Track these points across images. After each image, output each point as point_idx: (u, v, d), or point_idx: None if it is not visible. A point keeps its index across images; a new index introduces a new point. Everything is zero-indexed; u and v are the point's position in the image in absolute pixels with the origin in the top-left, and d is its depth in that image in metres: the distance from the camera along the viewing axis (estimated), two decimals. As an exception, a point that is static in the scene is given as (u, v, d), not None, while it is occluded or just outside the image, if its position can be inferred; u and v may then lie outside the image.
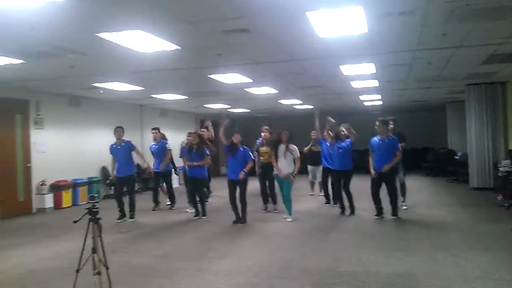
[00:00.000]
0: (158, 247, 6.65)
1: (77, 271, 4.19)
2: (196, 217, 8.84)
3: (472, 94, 12.00)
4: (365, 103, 16.58)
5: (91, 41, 6.06)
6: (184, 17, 5.17)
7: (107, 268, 4.25)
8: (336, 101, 15.22)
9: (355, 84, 11.34)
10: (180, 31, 5.75)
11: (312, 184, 11.39)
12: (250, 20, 5.38)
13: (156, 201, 10.28)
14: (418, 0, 4.90)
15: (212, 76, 9.32)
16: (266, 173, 9.26)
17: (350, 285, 4.63)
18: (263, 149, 9.21)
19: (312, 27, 5.65)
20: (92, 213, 4.18)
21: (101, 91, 10.61)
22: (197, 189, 8.97)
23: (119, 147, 8.94)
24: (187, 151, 8.91)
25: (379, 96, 14.65)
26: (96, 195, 4.69)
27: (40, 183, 10.48)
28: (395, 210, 8.34)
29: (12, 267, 5.77)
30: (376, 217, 8.36)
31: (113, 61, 7.53)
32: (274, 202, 9.44)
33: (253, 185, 9.30)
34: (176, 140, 10.47)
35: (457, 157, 14.88)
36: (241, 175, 8.07)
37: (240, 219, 8.21)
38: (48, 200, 10.53)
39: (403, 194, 9.23)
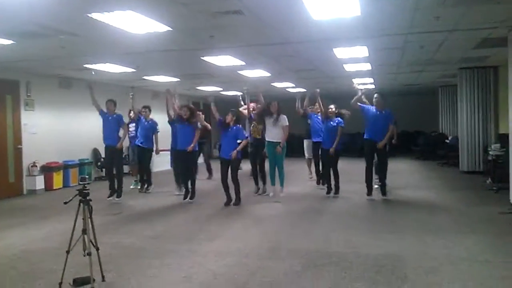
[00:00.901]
0: (148, 228, 6.68)
1: (68, 252, 4.21)
2: (186, 200, 8.75)
3: (464, 78, 12.04)
4: (359, 86, 16.54)
5: (82, 22, 5.97)
6: (175, -3, 5.12)
7: (97, 249, 4.27)
8: (329, 84, 15.19)
9: (348, 67, 11.33)
10: (172, 12, 5.69)
11: (310, 162, 11.12)
12: (243, 1, 5.33)
13: (142, 180, 10.36)
14: (411, -17, 4.88)
15: (205, 58, 9.25)
16: (257, 152, 9.23)
17: (339, 266, 4.69)
18: (253, 125, 9.19)
19: (306, 9, 5.61)
20: (83, 194, 4.19)
21: (93, 73, 10.52)
22: (188, 162, 8.83)
23: (110, 118, 8.98)
24: (181, 123, 8.73)
25: (371, 80, 14.64)
26: (87, 176, 4.69)
27: (31, 164, 10.44)
28: (384, 189, 8.46)
29: (3, 248, 5.79)
30: (369, 197, 8.45)
31: (104, 42, 7.45)
32: (264, 182, 9.41)
33: (244, 166, 9.28)
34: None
35: (447, 141, 14.98)
36: (234, 154, 8.06)
37: (234, 201, 8.23)
38: (39, 182, 10.50)
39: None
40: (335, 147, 8.62)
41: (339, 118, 8.77)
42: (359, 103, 8.48)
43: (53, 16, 5.81)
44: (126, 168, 12.22)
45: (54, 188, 10.79)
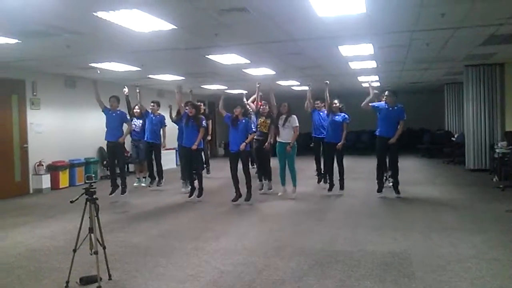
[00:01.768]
0: (155, 226, 6.69)
1: (74, 250, 4.23)
2: (191, 197, 8.74)
3: (470, 76, 11.98)
4: (363, 85, 16.52)
5: (87, 20, 5.98)
6: (180, -5, 5.11)
7: (104, 248, 4.28)
8: (334, 82, 15.11)
9: (353, 65, 11.30)
10: (177, 10, 5.69)
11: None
12: (248, -1, 5.32)
13: (152, 176, 10.40)
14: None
15: (210, 57, 9.25)
16: (262, 146, 9.16)
17: (346, 265, 4.68)
18: (261, 120, 9.18)
19: (311, 6, 5.60)
20: (89, 193, 4.20)
21: (98, 71, 10.54)
22: (193, 160, 8.84)
23: (113, 114, 8.96)
24: (186, 121, 8.72)
25: (377, 78, 14.60)
26: (93, 175, 4.69)
27: (37, 163, 10.48)
28: (396, 186, 8.45)
29: (10, 246, 5.81)
30: (379, 194, 8.47)
31: (109, 41, 7.45)
32: (269, 178, 9.38)
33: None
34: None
35: (453, 139, 14.92)
36: (242, 146, 8.09)
37: (245, 196, 8.21)
38: (45, 181, 10.54)
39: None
40: (343, 142, 8.66)
41: (344, 114, 8.76)
42: (368, 104, 8.46)
43: (59, 15, 5.82)
44: (130, 167, 12.34)
45: (60, 187, 10.82)
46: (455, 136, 15.10)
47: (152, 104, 10.38)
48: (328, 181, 9.17)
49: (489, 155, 11.51)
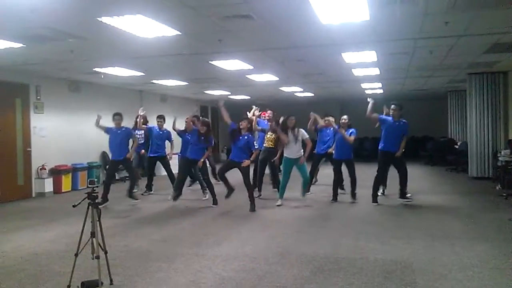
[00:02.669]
0: (156, 231, 6.69)
1: (76, 255, 4.23)
2: (174, 200, 8.80)
3: (474, 83, 11.97)
4: (367, 91, 16.54)
5: (92, 26, 6.02)
6: (185, 1, 5.13)
7: (105, 252, 4.28)
8: (337, 89, 15.19)
9: (357, 72, 11.31)
10: (181, 16, 5.72)
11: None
12: (252, 6, 5.34)
13: (149, 187, 10.47)
14: (421, -13, 4.86)
15: (213, 62, 9.28)
16: (267, 159, 9.26)
17: (348, 272, 4.66)
18: (269, 134, 9.19)
19: (314, 13, 5.62)
20: (92, 197, 4.20)
21: (102, 76, 10.58)
22: (199, 170, 9.01)
23: (118, 131, 8.91)
24: (197, 137, 8.73)
25: (380, 85, 14.61)
26: (95, 180, 4.70)
27: (40, 167, 10.50)
28: (403, 193, 8.45)
29: (12, 250, 5.81)
30: (375, 204, 8.44)
31: (114, 46, 7.49)
32: (277, 187, 9.39)
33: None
34: (178, 126, 10.43)
35: (456, 146, 14.89)
36: (246, 163, 8.05)
37: (249, 207, 8.15)
38: (48, 185, 10.56)
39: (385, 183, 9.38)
40: (402, 150, 8.48)
41: (353, 130, 8.80)
42: (376, 114, 8.46)
43: (63, 20, 5.86)
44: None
45: (63, 191, 10.84)
46: (458, 143, 15.07)
47: (158, 120, 10.35)
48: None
49: (492, 163, 11.48)
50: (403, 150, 8.37)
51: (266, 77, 11.77)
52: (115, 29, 6.12)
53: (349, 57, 9.06)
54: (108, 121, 9.15)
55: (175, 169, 10.13)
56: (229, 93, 15.89)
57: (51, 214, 8.26)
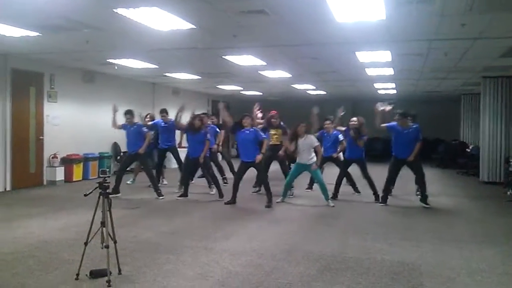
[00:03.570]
0: (166, 224, 6.73)
1: (86, 243, 4.28)
2: (181, 197, 8.83)
3: (488, 87, 11.83)
4: (379, 91, 16.47)
5: (107, 17, 6.05)
6: (201, -5, 5.14)
7: (115, 242, 4.32)
8: (350, 88, 15.14)
9: (370, 72, 11.26)
10: (197, 10, 5.73)
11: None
12: (267, 1, 5.35)
13: (159, 179, 10.45)
14: (439, -12, 4.83)
15: (226, 57, 9.30)
16: (273, 155, 9.19)
17: (355, 271, 4.66)
18: (273, 131, 9.16)
19: (330, 11, 5.60)
20: (103, 187, 4.24)
21: (116, 67, 10.64)
22: (202, 167, 9.09)
23: (131, 128, 9.08)
24: (192, 133, 8.81)
25: (393, 85, 14.53)
26: (107, 170, 4.73)
27: (52, 156, 10.60)
28: (424, 198, 8.34)
29: (22, 237, 5.88)
30: (382, 204, 8.41)
31: (128, 38, 7.52)
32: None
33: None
34: (189, 119, 10.47)
35: (468, 150, 14.77)
36: (259, 158, 8.06)
37: (266, 203, 8.14)
38: (59, 173, 10.67)
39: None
40: (415, 154, 8.31)
41: (362, 133, 8.76)
42: (384, 125, 8.38)
43: (80, 10, 5.90)
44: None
45: (74, 180, 10.94)
46: (470, 147, 14.95)
47: (162, 114, 10.35)
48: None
49: (503, 168, 11.37)
50: (416, 155, 8.19)
51: (278, 74, 11.76)
52: (131, 21, 6.15)
53: (363, 56, 9.03)
54: (122, 113, 9.21)
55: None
56: (241, 88, 15.90)
57: (62, 202, 8.35)
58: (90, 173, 11.44)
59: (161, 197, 8.88)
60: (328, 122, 9.18)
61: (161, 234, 6.11)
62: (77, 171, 11.12)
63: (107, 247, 4.14)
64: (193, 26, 6.49)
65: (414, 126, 8.35)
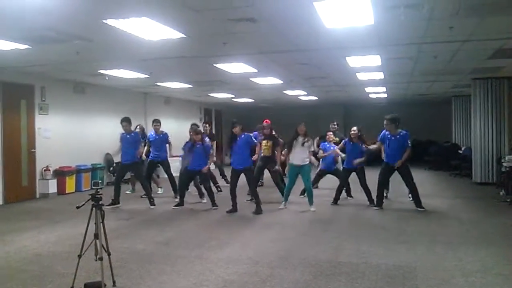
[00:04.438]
0: (159, 234, 6.70)
1: (79, 256, 4.24)
2: (177, 207, 8.81)
3: (478, 89, 11.94)
4: (370, 96, 16.55)
5: (97, 27, 6.05)
6: (190, 4, 5.15)
7: (109, 254, 4.30)
8: (341, 93, 15.19)
9: (361, 76, 11.32)
10: (186, 19, 5.74)
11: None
12: (257, 9, 5.36)
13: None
14: (426, -8, 4.87)
15: (217, 65, 9.31)
16: (264, 166, 9.27)
17: (350, 276, 4.66)
18: (264, 143, 9.12)
19: (319, 17, 5.63)
20: (96, 199, 4.22)
21: (107, 78, 10.62)
22: (201, 178, 9.14)
23: (128, 136, 9.09)
24: (191, 146, 8.83)
25: (384, 89, 14.61)
26: (99, 181, 4.72)
27: (44, 168, 10.54)
28: (418, 202, 8.39)
29: (15, 250, 5.83)
30: (376, 208, 8.43)
31: (119, 48, 7.53)
32: (282, 192, 9.30)
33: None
34: (181, 128, 10.50)
35: (460, 151, 14.85)
36: (255, 157, 8.49)
37: (255, 210, 8.19)
38: (52, 186, 10.60)
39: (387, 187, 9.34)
40: (403, 161, 8.41)
41: (362, 144, 8.86)
42: (379, 143, 8.59)
43: (69, 22, 5.89)
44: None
45: (67, 192, 10.87)
46: (462, 149, 15.03)
47: (154, 124, 10.29)
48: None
49: (496, 168, 11.44)
50: (403, 162, 8.23)
51: (270, 81, 11.79)
52: (121, 31, 6.15)
53: (353, 61, 9.08)
54: (114, 124, 9.20)
55: (175, 172, 10.11)
56: (233, 96, 15.92)
57: (55, 215, 8.29)
58: (83, 185, 11.36)
59: (152, 206, 8.90)
60: (330, 133, 9.39)
61: (155, 245, 6.08)
62: (70, 183, 11.05)
63: (101, 259, 4.11)
64: (183, 35, 6.50)
65: (402, 133, 8.37)
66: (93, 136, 12.01)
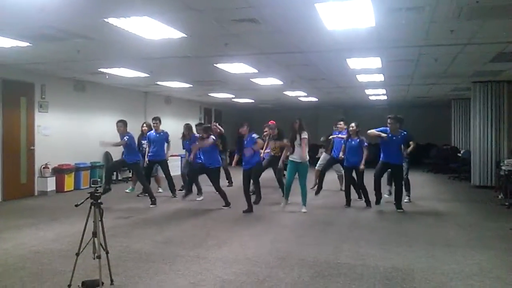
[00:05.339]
0: (158, 233, 6.70)
1: (77, 254, 4.24)
2: (185, 197, 9.02)
3: (478, 92, 11.95)
4: (370, 97, 16.55)
5: (98, 26, 6.05)
6: (192, 4, 5.16)
7: (107, 252, 4.29)
8: (341, 94, 15.20)
9: (361, 78, 11.32)
10: (188, 18, 5.74)
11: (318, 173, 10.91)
12: (258, 10, 5.37)
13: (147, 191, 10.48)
14: (427, -5, 4.88)
15: (218, 65, 9.31)
16: (269, 165, 9.44)
17: (348, 277, 4.66)
18: (272, 143, 9.33)
19: (320, 19, 5.64)
20: (94, 197, 4.21)
21: (107, 76, 10.62)
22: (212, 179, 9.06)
23: (124, 137, 9.11)
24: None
25: (384, 91, 14.61)
26: (98, 179, 4.72)
27: (43, 166, 10.54)
28: (399, 203, 8.46)
29: (13, 248, 5.83)
30: (377, 204, 8.59)
31: (119, 47, 7.52)
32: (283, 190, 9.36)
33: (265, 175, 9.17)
34: (181, 128, 10.49)
35: (459, 154, 14.85)
36: (262, 154, 8.62)
37: (254, 199, 8.41)
38: (50, 183, 10.59)
39: (408, 189, 9.41)
40: (363, 164, 8.69)
41: (361, 138, 8.83)
42: (384, 135, 8.50)
43: (70, 20, 5.89)
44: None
45: (65, 190, 10.87)
46: (461, 152, 15.04)
47: (154, 122, 10.27)
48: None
49: (495, 172, 11.45)
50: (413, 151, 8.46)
51: (270, 81, 11.79)
52: (122, 30, 6.16)
53: (353, 63, 9.08)
54: (113, 122, 9.22)
55: (174, 171, 10.12)
56: (233, 96, 15.92)
57: (53, 213, 8.28)
58: (82, 183, 11.37)
59: (153, 205, 8.89)
60: (341, 122, 9.65)
61: (154, 244, 6.07)
62: (69, 181, 11.05)
63: (99, 257, 4.11)
64: (184, 35, 6.51)
65: (403, 134, 8.47)
66: (92, 134, 11.99)
